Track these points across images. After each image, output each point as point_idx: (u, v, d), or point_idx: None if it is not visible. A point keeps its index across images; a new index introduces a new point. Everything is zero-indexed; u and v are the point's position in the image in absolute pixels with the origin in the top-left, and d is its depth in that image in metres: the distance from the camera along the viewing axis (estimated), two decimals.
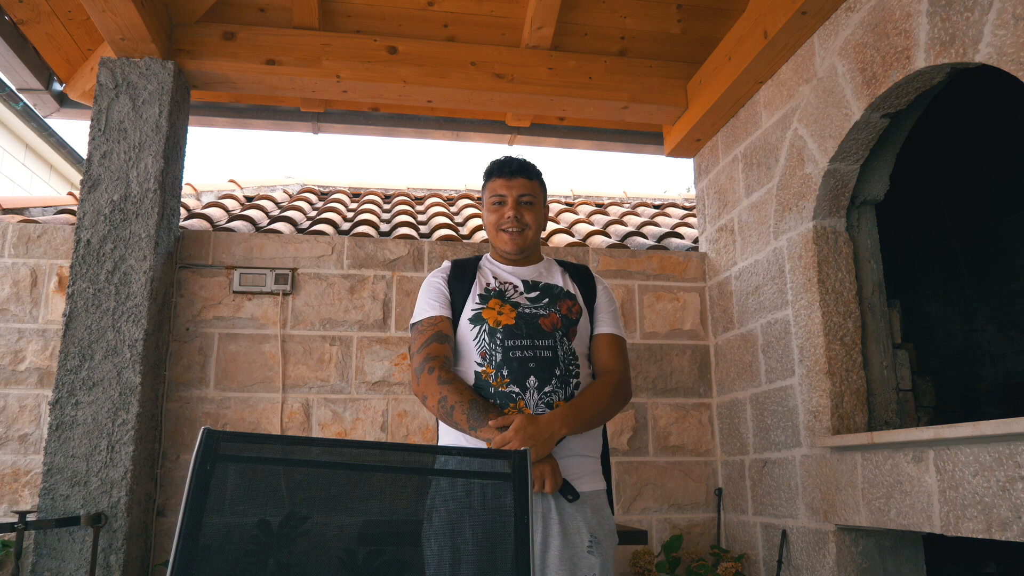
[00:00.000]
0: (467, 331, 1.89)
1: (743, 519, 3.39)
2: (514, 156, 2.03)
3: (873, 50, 2.57)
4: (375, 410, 3.46)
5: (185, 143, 3.56)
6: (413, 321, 1.96)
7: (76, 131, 39.95)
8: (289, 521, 1.13)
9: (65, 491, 2.87)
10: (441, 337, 1.88)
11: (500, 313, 1.88)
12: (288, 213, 4.40)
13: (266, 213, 4.62)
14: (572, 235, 4.43)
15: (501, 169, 1.99)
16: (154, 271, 3.15)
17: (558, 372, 1.82)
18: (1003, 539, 1.96)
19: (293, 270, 3.54)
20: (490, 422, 1.72)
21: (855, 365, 2.77)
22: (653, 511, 3.58)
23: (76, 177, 7.84)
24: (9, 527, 2.58)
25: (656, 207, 5.78)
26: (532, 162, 2.02)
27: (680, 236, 4.55)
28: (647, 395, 3.69)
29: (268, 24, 3.52)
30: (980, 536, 2.02)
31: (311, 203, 5.20)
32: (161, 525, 3.21)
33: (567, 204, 5.73)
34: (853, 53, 2.68)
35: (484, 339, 1.86)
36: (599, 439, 1.94)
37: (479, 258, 2.06)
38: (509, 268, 2.01)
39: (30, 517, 2.86)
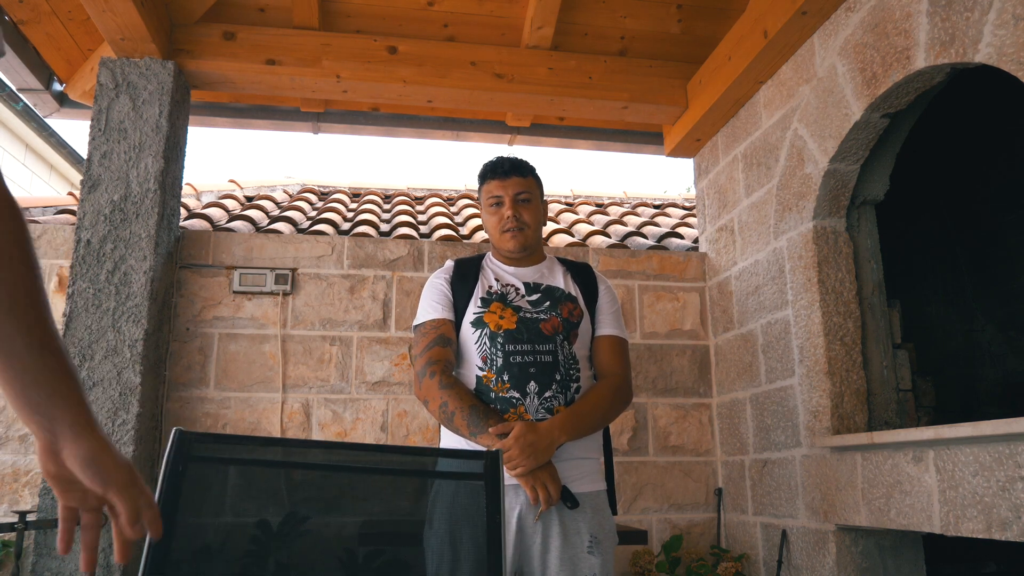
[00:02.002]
0: (469, 334, 1.89)
1: (743, 519, 3.39)
2: (506, 156, 2.03)
3: (873, 50, 2.57)
4: (375, 410, 3.46)
5: (185, 143, 3.56)
6: (416, 323, 1.96)
7: (76, 131, 39.94)
8: (289, 521, 1.13)
9: None
10: (443, 340, 1.88)
11: (501, 317, 1.87)
12: (288, 213, 4.40)
13: (266, 213, 4.62)
14: (572, 235, 4.43)
15: (495, 170, 1.99)
16: (154, 271, 3.15)
17: (558, 377, 1.82)
18: (1003, 539, 1.96)
19: (293, 270, 3.54)
20: (490, 429, 1.72)
21: (855, 365, 2.77)
22: (653, 511, 3.58)
23: (76, 177, 7.84)
24: (9, 527, 2.58)
25: (656, 207, 5.78)
26: (525, 160, 2.02)
27: (680, 236, 4.54)
28: (647, 395, 3.69)
29: (268, 24, 3.52)
30: (980, 536, 2.02)
31: (311, 203, 5.20)
32: None
33: (567, 204, 5.73)
34: (853, 53, 2.68)
35: (485, 343, 1.85)
36: (598, 440, 1.93)
37: (482, 257, 2.05)
38: (511, 269, 2.00)
39: (30, 517, 2.86)
